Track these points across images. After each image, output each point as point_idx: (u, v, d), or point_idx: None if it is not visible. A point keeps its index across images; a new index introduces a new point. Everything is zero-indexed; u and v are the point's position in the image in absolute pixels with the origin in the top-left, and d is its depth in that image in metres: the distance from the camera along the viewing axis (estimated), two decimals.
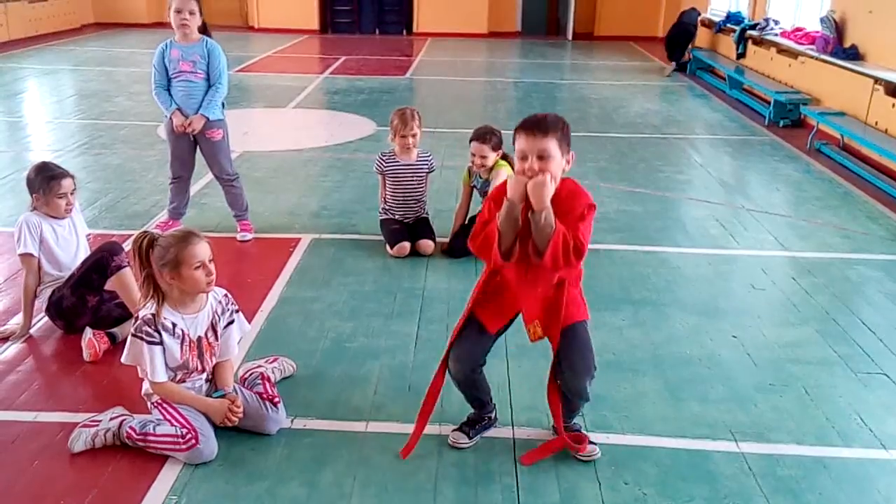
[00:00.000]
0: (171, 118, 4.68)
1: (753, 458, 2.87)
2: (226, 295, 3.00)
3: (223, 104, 4.80)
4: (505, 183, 2.66)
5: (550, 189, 2.50)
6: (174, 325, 2.82)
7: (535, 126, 2.56)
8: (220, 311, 2.95)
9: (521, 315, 2.76)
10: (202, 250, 2.79)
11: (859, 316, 4.08)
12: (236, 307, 3.02)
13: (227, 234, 4.94)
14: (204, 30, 4.69)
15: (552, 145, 2.55)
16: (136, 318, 2.83)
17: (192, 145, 4.81)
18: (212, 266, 2.82)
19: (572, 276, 2.71)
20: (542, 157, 2.53)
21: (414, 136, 4.76)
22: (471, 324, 2.77)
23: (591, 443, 2.87)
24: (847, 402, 3.27)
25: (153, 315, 2.80)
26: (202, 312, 2.90)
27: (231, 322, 2.99)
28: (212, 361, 2.96)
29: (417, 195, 4.87)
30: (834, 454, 2.93)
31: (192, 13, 4.54)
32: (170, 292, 2.82)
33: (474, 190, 4.84)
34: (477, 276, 4.24)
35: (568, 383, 2.74)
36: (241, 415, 2.87)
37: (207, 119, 4.66)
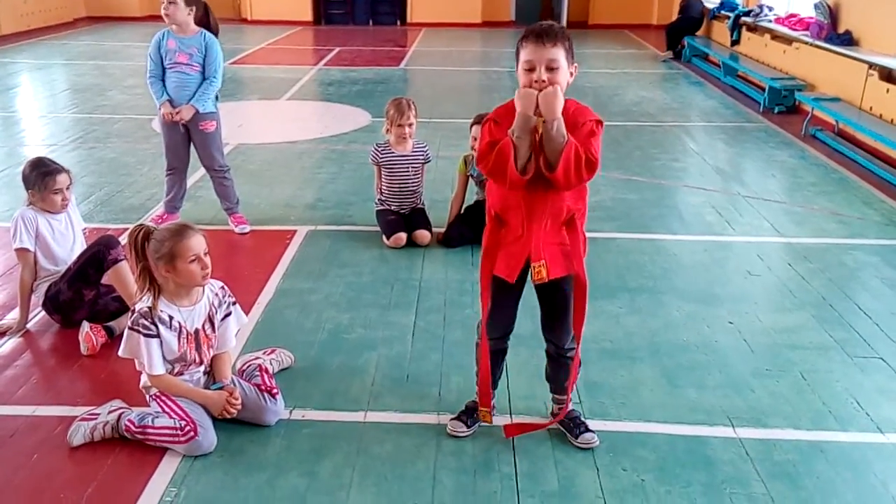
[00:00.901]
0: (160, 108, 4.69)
1: (751, 444, 2.88)
2: (222, 287, 3.00)
3: (217, 97, 4.78)
4: (504, 105, 2.58)
5: (561, 100, 2.43)
6: (171, 317, 2.82)
7: (545, 34, 2.43)
8: (216, 304, 2.95)
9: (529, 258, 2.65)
10: (197, 243, 2.78)
11: (855, 301, 4.09)
12: (233, 299, 3.02)
13: (222, 227, 4.93)
14: (206, 23, 4.66)
15: (560, 55, 2.45)
16: (133, 312, 2.83)
17: (185, 137, 4.79)
18: (207, 259, 2.82)
19: (580, 209, 2.64)
20: (551, 67, 2.44)
21: (410, 125, 4.75)
22: (496, 285, 2.70)
23: (589, 430, 2.88)
24: (843, 387, 3.28)
25: (149, 308, 2.79)
26: (199, 305, 2.90)
27: (228, 314, 2.99)
28: (209, 354, 2.96)
29: (413, 186, 4.87)
30: (831, 438, 2.94)
31: (172, 3, 4.50)
32: (166, 285, 2.82)
33: (470, 179, 4.84)
34: (474, 266, 4.26)
35: (555, 332, 2.78)
36: (239, 407, 2.88)
37: (198, 111, 4.64)
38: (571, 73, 2.52)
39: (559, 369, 2.87)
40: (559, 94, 2.42)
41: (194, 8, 4.57)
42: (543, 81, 2.43)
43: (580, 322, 2.70)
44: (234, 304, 3.02)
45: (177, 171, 4.94)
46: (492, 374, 2.92)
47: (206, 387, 2.95)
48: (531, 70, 2.46)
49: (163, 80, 4.68)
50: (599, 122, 2.56)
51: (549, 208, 2.58)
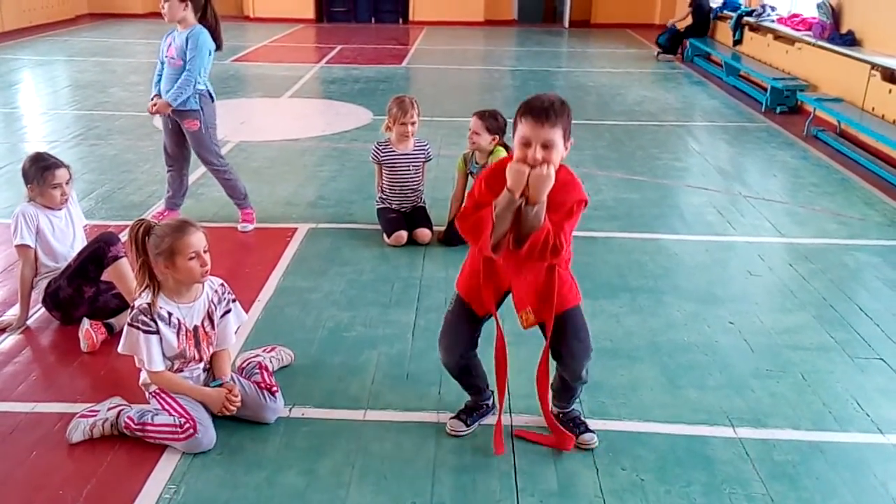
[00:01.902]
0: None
1: (751, 444, 2.88)
2: (222, 284, 3.00)
3: (210, 95, 4.73)
4: (500, 164, 2.59)
5: (550, 183, 2.45)
6: (170, 314, 2.82)
7: (543, 114, 2.43)
8: (216, 301, 2.95)
9: (510, 299, 2.71)
10: (197, 240, 2.78)
11: (856, 302, 4.08)
12: (233, 296, 3.02)
13: (224, 225, 4.93)
14: (204, 18, 4.64)
15: (557, 135, 2.46)
16: (132, 308, 2.83)
17: (178, 133, 4.79)
18: (207, 256, 2.81)
19: (560, 260, 2.65)
20: (547, 146, 2.46)
21: (413, 123, 4.75)
22: (458, 309, 2.75)
23: (589, 431, 2.87)
24: (844, 388, 3.28)
25: (149, 304, 2.79)
26: (198, 301, 2.89)
27: (228, 311, 2.99)
28: (209, 351, 2.96)
29: (414, 184, 4.87)
30: (831, 439, 2.94)
31: (167, 0, 4.50)
32: (165, 281, 2.82)
33: (470, 176, 4.83)
34: None
35: (568, 368, 2.74)
36: (238, 404, 2.88)
37: (171, 106, 4.60)
38: (566, 148, 2.53)
39: (570, 390, 2.87)
40: (551, 176, 2.44)
41: (190, 3, 4.54)
42: (537, 160, 2.45)
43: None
44: (233, 301, 3.01)
45: (174, 168, 4.94)
46: (469, 384, 2.93)
47: (206, 384, 2.95)
48: (526, 145, 2.47)
49: (161, 76, 4.72)
50: (582, 202, 2.57)
51: (526, 263, 2.60)
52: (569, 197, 2.54)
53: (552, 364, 2.81)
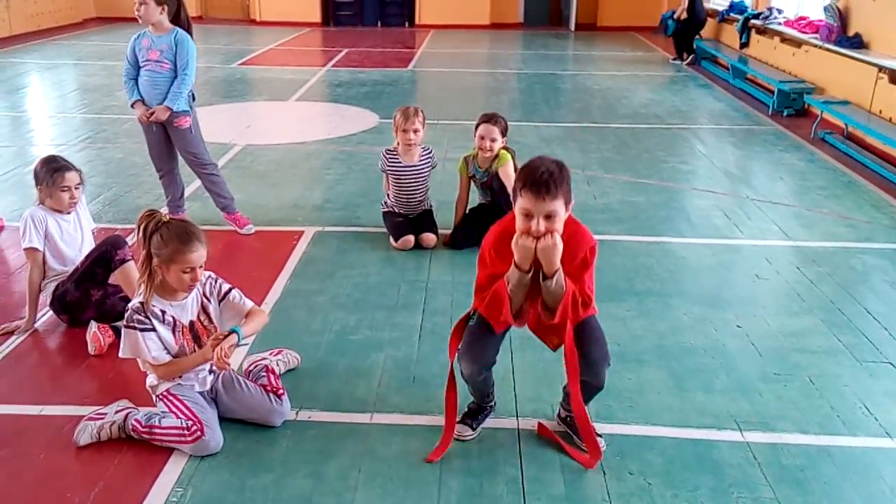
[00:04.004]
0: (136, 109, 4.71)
1: (758, 448, 2.87)
2: (210, 276, 2.97)
3: (192, 95, 4.76)
4: (503, 223, 2.62)
5: (559, 251, 2.46)
6: (163, 312, 2.83)
7: (544, 188, 2.43)
8: (207, 292, 2.94)
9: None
10: (196, 258, 2.77)
11: (864, 305, 4.07)
12: (229, 285, 3.00)
13: (230, 228, 4.94)
14: (177, 20, 4.65)
15: (559, 205, 2.47)
16: (126, 310, 2.84)
17: (164, 137, 4.79)
18: (200, 271, 2.82)
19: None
20: (549, 217, 2.46)
21: (416, 132, 4.72)
22: (480, 325, 2.75)
23: (597, 435, 2.86)
24: (852, 391, 3.26)
25: (141, 304, 2.81)
26: (188, 299, 2.89)
27: (226, 293, 2.96)
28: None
29: (420, 196, 4.86)
30: (839, 443, 2.92)
31: (143, 3, 4.50)
32: (157, 278, 2.81)
33: (472, 180, 4.82)
34: None
35: (588, 375, 2.73)
36: (221, 340, 2.80)
37: (172, 110, 4.63)
38: (568, 210, 2.54)
39: (584, 392, 2.85)
40: (557, 244, 2.46)
41: (166, 6, 4.56)
42: (541, 231, 2.46)
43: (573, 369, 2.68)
44: (231, 288, 2.99)
45: (166, 172, 4.95)
46: (480, 390, 2.92)
47: (213, 385, 2.96)
48: (528, 216, 2.48)
49: (136, 80, 4.70)
50: (593, 250, 2.60)
51: (553, 325, 2.64)
52: (579, 249, 2.57)
53: (548, 365, 2.82)
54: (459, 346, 2.78)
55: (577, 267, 2.55)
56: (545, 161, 2.52)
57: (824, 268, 4.52)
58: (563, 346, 2.67)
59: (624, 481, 2.69)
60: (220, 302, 2.97)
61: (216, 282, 2.99)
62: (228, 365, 2.81)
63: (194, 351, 2.90)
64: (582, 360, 2.69)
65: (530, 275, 2.53)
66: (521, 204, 2.50)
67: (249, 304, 3.02)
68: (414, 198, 4.84)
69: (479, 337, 2.76)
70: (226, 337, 2.82)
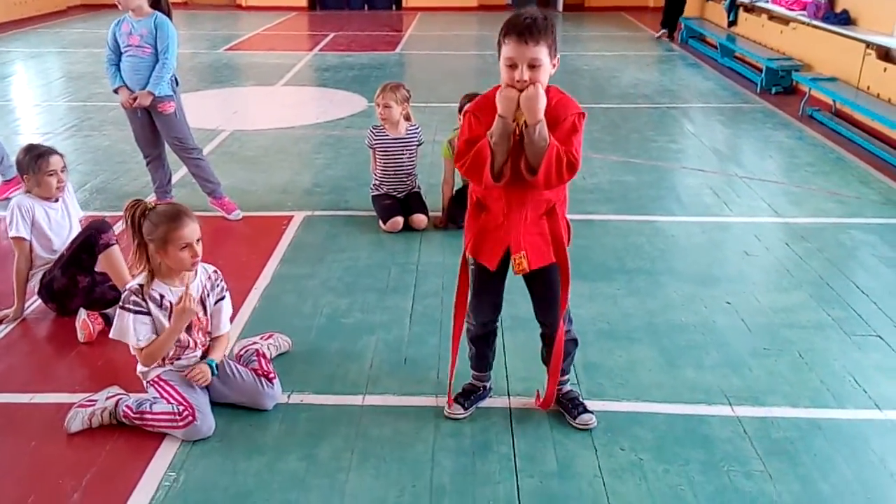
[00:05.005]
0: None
1: (748, 422, 2.89)
2: (215, 271, 2.99)
3: (176, 80, 4.74)
4: (485, 96, 2.55)
5: (543, 100, 2.39)
6: (162, 296, 2.82)
7: (527, 32, 2.36)
8: (209, 287, 2.94)
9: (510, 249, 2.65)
10: (189, 232, 2.77)
11: (853, 280, 4.09)
12: (227, 291, 3.01)
13: (218, 214, 4.92)
14: (157, 5, 4.62)
15: (543, 53, 2.40)
16: (124, 290, 2.83)
17: (149, 122, 4.77)
18: (199, 246, 2.80)
19: (560, 198, 2.63)
20: (534, 65, 2.40)
21: (387, 106, 4.71)
22: (479, 271, 2.74)
23: (588, 412, 2.88)
24: (841, 365, 3.29)
25: (141, 286, 2.80)
26: (193, 285, 2.88)
27: (222, 299, 2.98)
28: (203, 338, 2.95)
29: (408, 169, 4.85)
30: (828, 416, 2.95)
31: None
32: (157, 265, 2.81)
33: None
34: None
35: (544, 319, 2.78)
36: (190, 294, 2.79)
37: (154, 95, 4.61)
38: (554, 66, 2.48)
39: (559, 353, 2.86)
40: (541, 94, 2.39)
41: None
42: (525, 81, 2.40)
43: (563, 306, 2.71)
44: (226, 291, 3.01)
45: (152, 157, 4.93)
46: (483, 355, 2.95)
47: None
48: (513, 67, 2.41)
49: (118, 66, 4.67)
50: (581, 115, 2.52)
51: (529, 200, 2.58)
52: (567, 112, 2.50)
53: (540, 344, 2.83)
54: (468, 301, 2.79)
55: (565, 131, 2.47)
56: (529, 9, 2.46)
57: (813, 244, 4.54)
58: (524, 269, 2.62)
59: (615, 457, 2.70)
60: (215, 302, 2.97)
61: (220, 279, 2.98)
62: (191, 309, 2.79)
63: (187, 342, 2.89)
64: (541, 303, 2.75)
65: (514, 124, 2.43)
66: (504, 53, 2.43)
67: (226, 327, 3.03)
68: (401, 170, 4.82)
69: (478, 287, 2.77)
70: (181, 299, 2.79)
